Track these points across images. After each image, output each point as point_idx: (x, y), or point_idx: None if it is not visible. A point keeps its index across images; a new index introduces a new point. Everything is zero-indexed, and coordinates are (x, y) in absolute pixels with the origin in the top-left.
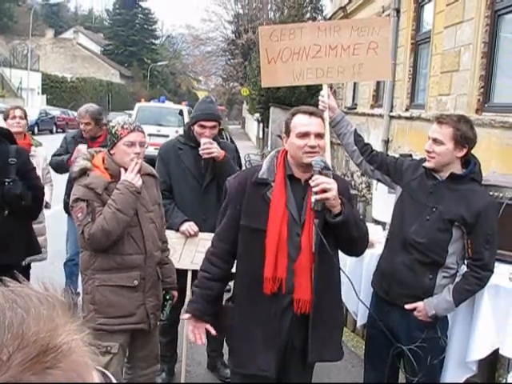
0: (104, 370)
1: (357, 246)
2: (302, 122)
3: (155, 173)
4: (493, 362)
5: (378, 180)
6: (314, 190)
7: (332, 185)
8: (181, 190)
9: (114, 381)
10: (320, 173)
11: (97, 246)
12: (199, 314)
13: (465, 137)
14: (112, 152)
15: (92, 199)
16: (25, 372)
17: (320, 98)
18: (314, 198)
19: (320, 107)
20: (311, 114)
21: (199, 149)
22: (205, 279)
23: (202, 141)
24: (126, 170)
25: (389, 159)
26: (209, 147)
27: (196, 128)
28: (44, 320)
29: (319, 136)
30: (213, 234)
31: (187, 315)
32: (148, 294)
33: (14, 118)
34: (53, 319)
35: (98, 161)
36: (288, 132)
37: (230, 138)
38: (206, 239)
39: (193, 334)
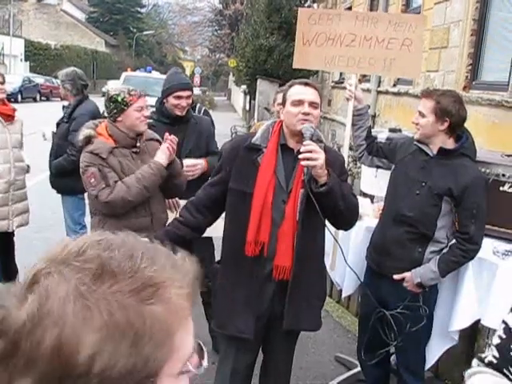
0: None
1: (344, 218)
2: (297, 90)
3: (158, 137)
4: (473, 333)
5: (378, 167)
6: (303, 155)
7: (320, 154)
8: None
9: (204, 347)
10: (311, 139)
11: (111, 211)
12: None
13: (444, 110)
14: (120, 119)
15: (100, 164)
16: (132, 295)
17: (347, 86)
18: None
19: (346, 95)
20: (306, 84)
21: (184, 170)
22: (176, 221)
23: (185, 162)
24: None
25: (382, 143)
26: (192, 170)
27: (171, 100)
28: (167, 272)
29: (313, 105)
30: None
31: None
32: None
33: None
34: (172, 275)
35: (101, 129)
36: (284, 102)
37: (205, 110)
38: None
39: None
